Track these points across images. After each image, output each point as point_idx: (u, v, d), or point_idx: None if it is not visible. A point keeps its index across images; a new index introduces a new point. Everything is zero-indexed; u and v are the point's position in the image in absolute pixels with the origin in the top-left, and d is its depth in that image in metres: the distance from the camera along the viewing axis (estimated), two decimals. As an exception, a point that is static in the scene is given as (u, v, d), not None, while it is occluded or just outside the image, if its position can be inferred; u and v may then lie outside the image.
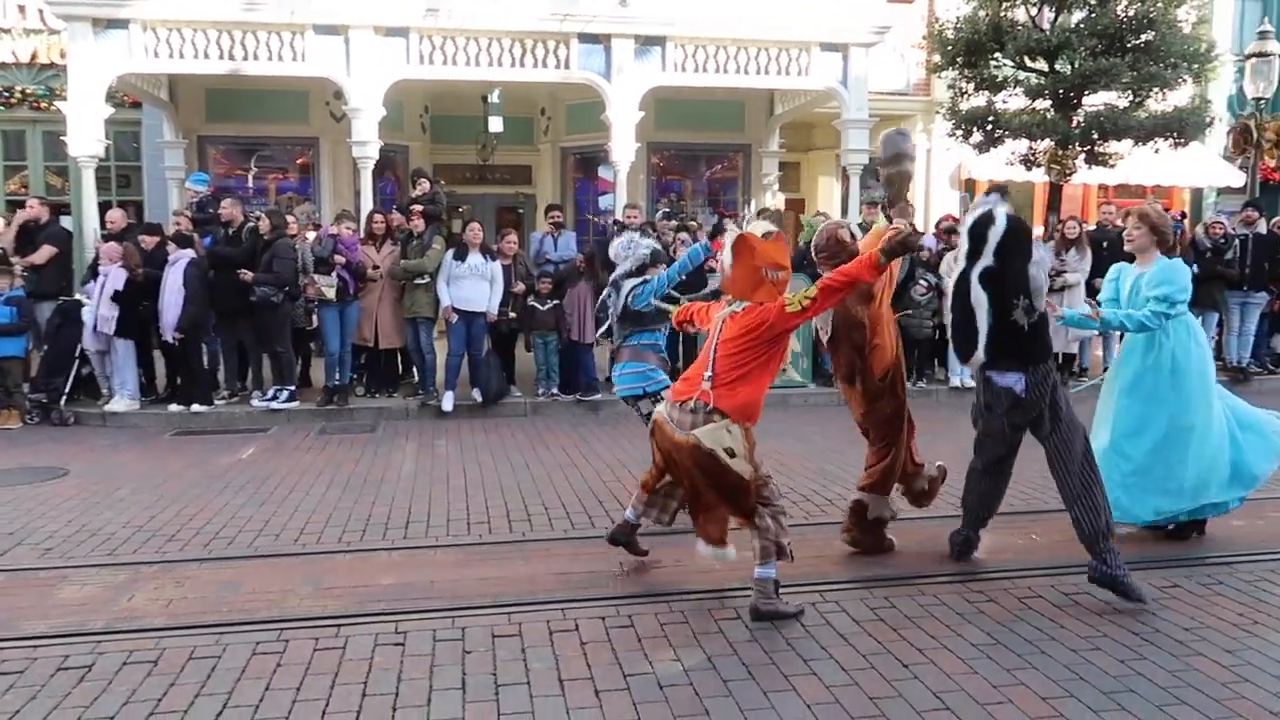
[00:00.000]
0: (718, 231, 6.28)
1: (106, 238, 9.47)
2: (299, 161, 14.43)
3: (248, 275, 8.84)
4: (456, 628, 4.05)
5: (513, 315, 9.49)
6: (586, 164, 15.07)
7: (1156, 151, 12.60)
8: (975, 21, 12.43)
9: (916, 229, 4.28)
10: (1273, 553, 5.01)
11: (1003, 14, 12.38)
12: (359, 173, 11.41)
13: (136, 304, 8.84)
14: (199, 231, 9.64)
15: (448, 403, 9.16)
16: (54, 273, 9.64)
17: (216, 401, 9.20)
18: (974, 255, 4.23)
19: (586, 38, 11.19)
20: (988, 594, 4.44)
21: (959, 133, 12.87)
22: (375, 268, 9.38)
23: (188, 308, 8.74)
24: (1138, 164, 13.37)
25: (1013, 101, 12.69)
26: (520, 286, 9.47)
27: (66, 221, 11.14)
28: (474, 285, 9.09)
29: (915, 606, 4.28)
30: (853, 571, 4.77)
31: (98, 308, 8.75)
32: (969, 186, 15.99)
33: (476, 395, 9.30)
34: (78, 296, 9.34)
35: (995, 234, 4.17)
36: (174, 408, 9.00)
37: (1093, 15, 12.01)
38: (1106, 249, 10.02)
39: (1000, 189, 4.36)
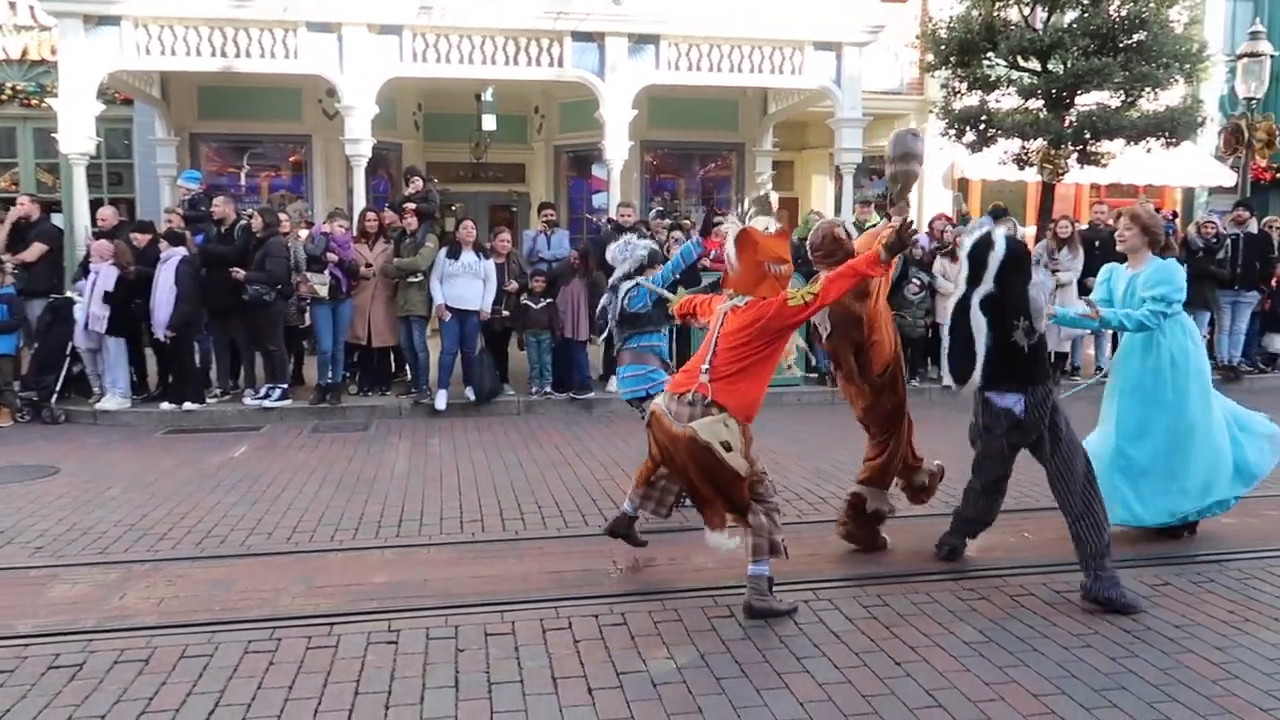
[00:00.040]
0: (709, 228, 6.30)
1: (98, 235, 9.42)
2: (292, 159, 14.38)
3: (240, 273, 8.81)
4: (449, 626, 4.05)
5: (506, 314, 9.47)
6: (580, 162, 15.06)
7: (1148, 151, 12.64)
8: (968, 21, 12.46)
9: (913, 224, 4.27)
10: (1263, 551, 5.04)
11: (996, 13, 12.41)
12: (352, 170, 11.39)
13: (128, 302, 8.81)
14: (191, 229, 9.61)
15: (441, 401, 9.15)
16: (45, 270, 9.60)
17: (208, 400, 9.17)
18: (974, 280, 4.21)
19: (580, 36, 11.18)
20: (980, 592, 4.45)
21: (952, 132, 12.89)
22: (368, 266, 9.36)
23: (180, 306, 8.70)
24: (1130, 164, 13.42)
25: (1005, 101, 12.72)
26: (513, 285, 9.45)
27: (57, 219, 11.13)
28: (467, 283, 9.07)
29: (908, 604, 4.29)
30: (846, 569, 4.78)
31: (89, 305, 8.72)
32: (962, 186, 16.03)
33: (469, 394, 9.29)
34: (69, 294, 9.31)
35: (995, 259, 4.15)
36: (166, 406, 8.97)
37: (1085, 15, 12.04)
38: (1098, 248, 10.06)
39: (1000, 211, 4.36)
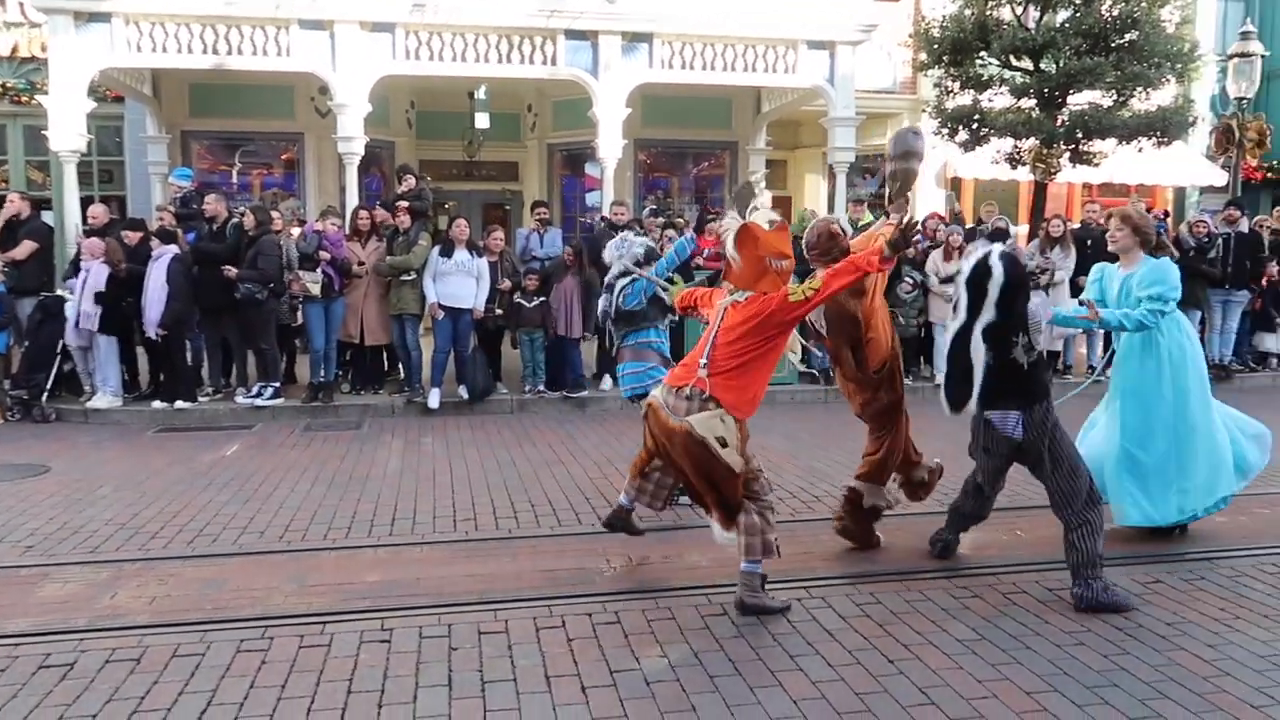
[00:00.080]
0: (703, 225, 6.31)
1: (89, 233, 9.38)
2: (284, 157, 14.35)
3: (232, 271, 8.78)
4: (442, 625, 4.04)
5: (499, 312, 9.46)
6: (573, 161, 15.05)
7: (1140, 150, 12.69)
8: (961, 20, 12.49)
9: (918, 224, 4.27)
10: (1254, 549, 5.06)
11: (988, 13, 12.45)
12: (344, 168, 11.36)
13: (119, 300, 8.77)
14: (183, 227, 9.57)
15: (434, 400, 9.14)
16: (35, 268, 9.55)
17: (200, 398, 9.13)
18: (974, 309, 4.17)
19: (573, 34, 11.18)
20: (973, 590, 4.46)
21: (945, 131, 12.92)
22: (360, 264, 9.34)
23: (171, 304, 8.67)
24: (1122, 163, 13.47)
25: (998, 100, 12.76)
26: (506, 283, 9.44)
27: (48, 217, 11.07)
28: (460, 282, 9.06)
29: (901, 602, 4.30)
30: (839, 567, 4.79)
31: (80, 303, 8.68)
32: (955, 185, 16.07)
33: (463, 392, 9.28)
34: (59, 292, 9.26)
35: (995, 286, 4.10)
36: (157, 404, 8.93)
37: (1077, 15, 12.10)
38: (1090, 247, 10.08)
39: (1002, 233, 4.34)
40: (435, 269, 9.03)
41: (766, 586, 4.21)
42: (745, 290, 4.13)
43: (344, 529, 5.49)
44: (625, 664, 3.68)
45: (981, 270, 4.16)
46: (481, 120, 13.92)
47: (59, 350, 9.00)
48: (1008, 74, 12.63)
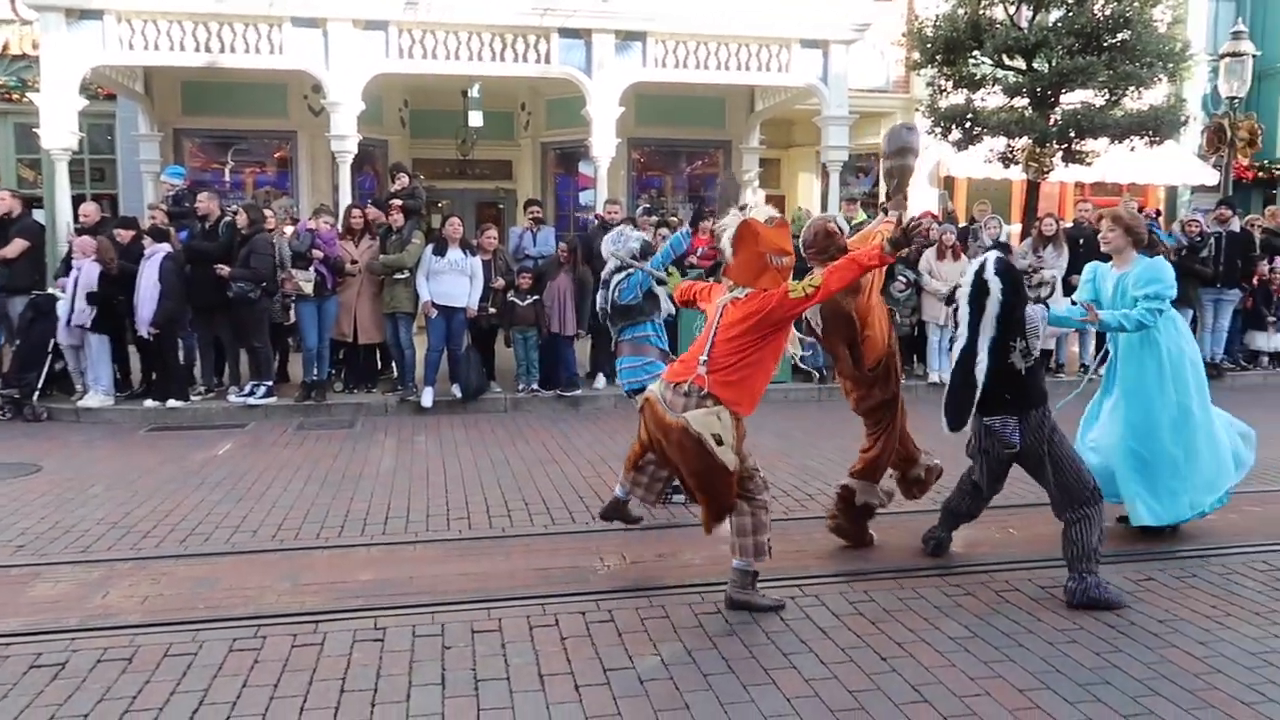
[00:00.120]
0: (698, 221, 6.33)
1: (80, 231, 9.34)
2: (277, 155, 14.30)
3: (225, 270, 8.75)
4: (436, 623, 4.04)
5: (492, 311, 9.45)
6: (567, 159, 15.03)
7: (1132, 150, 12.72)
8: (954, 19, 12.50)
9: (918, 223, 4.27)
10: (1245, 546, 5.08)
11: (981, 12, 12.46)
12: (337, 167, 11.33)
13: (111, 298, 8.74)
14: (175, 225, 9.53)
15: (427, 398, 9.12)
16: (26, 267, 9.49)
17: (193, 397, 9.10)
18: (974, 326, 4.18)
19: (567, 32, 11.17)
20: (965, 588, 4.47)
21: (938, 130, 12.94)
22: (353, 263, 9.32)
23: (164, 303, 8.64)
24: (1114, 162, 13.51)
25: (991, 99, 12.77)
26: (500, 282, 9.43)
27: (39, 215, 11.00)
28: (453, 280, 9.05)
29: (894, 600, 4.31)
30: (832, 566, 4.80)
31: (71, 302, 8.65)
32: (948, 184, 16.09)
33: (456, 391, 9.26)
34: (51, 291, 9.22)
35: (993, 304, 4.12)
36: (149, 403, 8.90)
37: (1070, 14, 12.12)
38: (1083, 246, 10.11)
39: (1002, 246, 4.35)
40: (428, 268, 9.02)
41: (759, 584, 4.20)
42: (745, 287, 4.12)
43: (337, 528, 5.48)
44: (619, 662, 3.68)
45: (980, 290, 4.17)
46: (475, 119, 13.89)
47: (50, 349, 8.95)
48: (1000, 73, 12.66)
